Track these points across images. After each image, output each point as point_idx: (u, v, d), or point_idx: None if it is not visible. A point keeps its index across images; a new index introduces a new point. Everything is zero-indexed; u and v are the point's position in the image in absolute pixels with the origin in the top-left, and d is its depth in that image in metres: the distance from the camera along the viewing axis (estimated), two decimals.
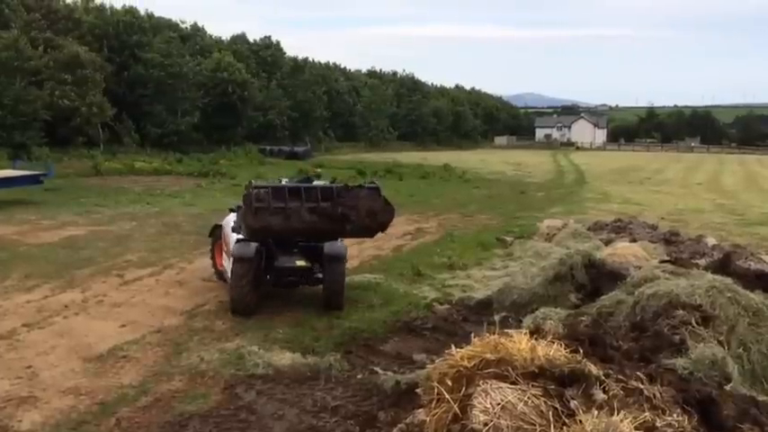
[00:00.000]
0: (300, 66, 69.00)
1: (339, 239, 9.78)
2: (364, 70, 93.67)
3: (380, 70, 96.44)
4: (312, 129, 64.73)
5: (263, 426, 6.14)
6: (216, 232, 11.40)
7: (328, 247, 9.49)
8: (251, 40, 69.05)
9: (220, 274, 10.90)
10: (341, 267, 9.50)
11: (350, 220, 8.96)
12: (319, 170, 11.80)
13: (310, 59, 74.96)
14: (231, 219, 10.40)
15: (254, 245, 9.13)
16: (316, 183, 10.08)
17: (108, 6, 52.16)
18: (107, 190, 25.60)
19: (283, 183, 10.06)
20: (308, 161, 45.67)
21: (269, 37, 69.97)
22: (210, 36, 64.93)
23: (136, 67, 46.80)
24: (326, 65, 79.59)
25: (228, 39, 67.26)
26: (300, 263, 9.49)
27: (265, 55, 66.47)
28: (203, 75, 51.40)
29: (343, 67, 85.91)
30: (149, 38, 48.66)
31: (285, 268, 9.47)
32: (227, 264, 10.10)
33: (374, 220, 9.24)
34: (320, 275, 9.55)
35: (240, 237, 9.35)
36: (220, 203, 22.75)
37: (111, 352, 7.90)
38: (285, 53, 70.56)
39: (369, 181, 10.13)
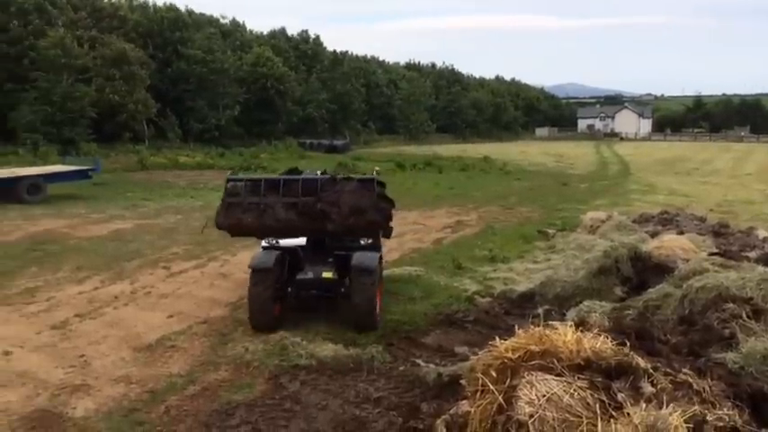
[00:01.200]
0: (339, 59, 69.27)
1: (374, 247, 8.95)
2: (403, 63, 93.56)
3: (419, 62, 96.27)
4: (351, 122, 64.94)
5: (307, 415, 6.22)
6: None
7: (356, 257, 8.27)
8: (290, 34, 69.63)
9: None
10: (371, 281, 8.12)
11: (330, 219, 7.85)
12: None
13: (349, 53, 75.24)
14: None
15: (275, 253, 8.30)
16: (307, 174, 8.94)
17: (151, 4, 53.24)
18: (152, 184, 26.18)
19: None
20: (347, 154, 45.85)
21: (307, 31, 70.49)
22: (250, 31, 65.81)
23: (178, 63, 47.68)
24: (365, 58, 79.77)
25: (268, 33, 67.91)
26: (327, 274, 8.48)
27: (305, 49, 66.97)
28: (243, 70, 52.02)
29: (381, 59, 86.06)
30: (191, 34, 49.46)
31: (307, 281, 8.48)
32: None
33: (360, 219, 7.93)
34: (343, 290, 8.55)
35: (265, 244, 8.73)
36: None
37: (159, 342, 8.11)
38: (324, 47, 70.96)
39: (376, 171, 8.76)
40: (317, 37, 70.76)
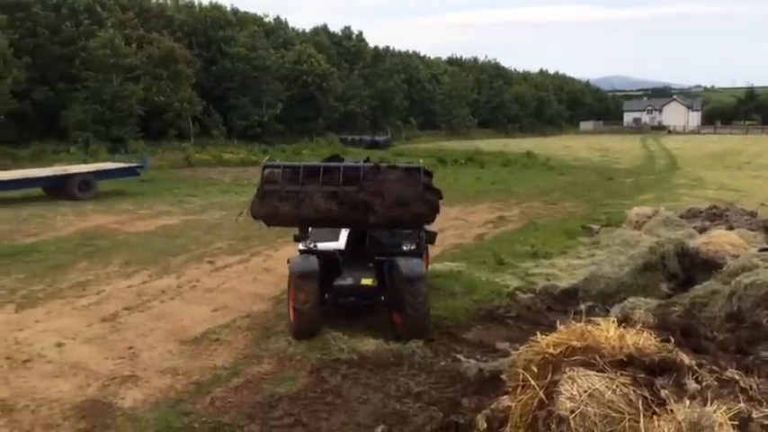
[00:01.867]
0: (381, 55, 69.41)
1: (418, 255, 8.50)
2: (445, 57, 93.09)
3: (461, 57, 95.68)
4: (392, 117, 64.97)
5: (348, 409, 6.28)
6: None
7: (405, 265, 7.82)
8: (332, 31, 69.99)
9: None
10: (423, 289, 7.79)
11: (373, 210, 7.33)
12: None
13: (391, 48, 75.28)
14: None
15: (313, 257, 7.91)
16: (347, 162, 8.30)
17: (196, 3, 54.18)
18: (198, 181, 26.70)
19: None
20: (389, 150, 45.91)
21: (350, 27, 70.72)
22: (293, 29, 66.33)
23: (223, 62, 48.43)
24: (407, 53, 79.65)
25: (310, 31, 68.42)
26: (366, 281, 8.04)
27: (347, 45, 67.22)
28: (286, 67, 52.53)
29: (423, 55, 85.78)
30: (234, 32, 50.17)
31: (346, 287, 8.02)
32: None
33: (406, 211, 7.42)
34: (383, 297, 8.16)
35: (302, 247, 8.33)
36: None
37: (204, 335, 8.29)
38: (366, 43, 71.11)
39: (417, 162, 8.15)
40: (360, 33, 71.01)
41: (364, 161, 7.93)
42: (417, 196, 7.45)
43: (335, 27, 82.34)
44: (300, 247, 8.37)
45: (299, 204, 7.41)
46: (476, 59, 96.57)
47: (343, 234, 8.53)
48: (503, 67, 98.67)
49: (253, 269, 11.77)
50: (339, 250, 8.36)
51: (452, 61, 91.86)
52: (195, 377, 6.99)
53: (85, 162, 27.57)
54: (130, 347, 7.81)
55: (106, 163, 26.21)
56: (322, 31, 69.05)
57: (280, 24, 64.10)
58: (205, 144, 41.65)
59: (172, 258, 12.52)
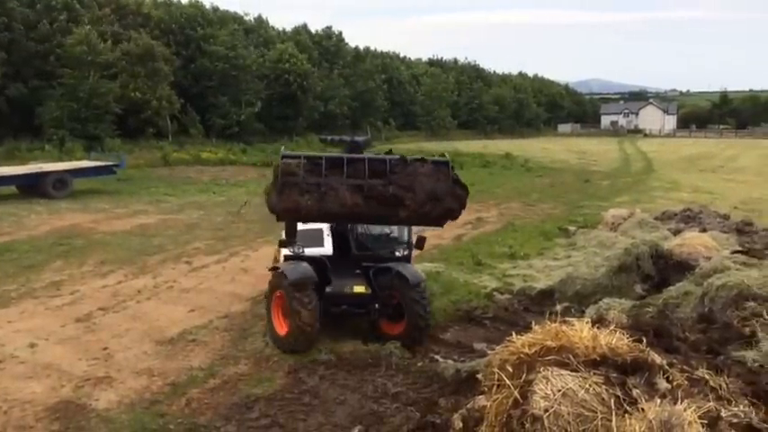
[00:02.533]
0: (362, 55, 69.30)
1: (408, 260, 8.28)
2: (425, 59, 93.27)
3: (441, 58, 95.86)
4: (372, 118, 64.95)
5: (325, 410, 6.29)
6: None
7: (408, 271, 7.75)
8: (313, 30, 69.77)
9: None
10: (425, 294, 7.77)
11: (404, 205, 6.91)
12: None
13: (372, 49, 75.26)
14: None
15: (306, 264, 7.56)
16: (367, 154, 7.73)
17: (174, 0, 53.61)
18: (175, 180, 26.48)
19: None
20: (369, 150, 45.86)
21: (331, 27, 70.55)
22: (273, 27, 65.95)
23: (201, 60, 47.98)
24: (387, 54, 79.65)
25: (291, 30, 68.13)
26: (359, 288, 7.74)
27: (328, 45, 67.04)
28: (266, 66, 52.26)
29: (403, 56, 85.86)
30: (214, 31, 49.76)
31: (337, 295, 7.68)
32: None
33: (437, 206, 7.04)
34: (377, 306, 7.86)
35: (289, 253, 7.82)
36: None
37: (180, 335, 8.24)
38: (347, 43, 71.03)
39: (439, 154, 7.69)
40: (340, 33, 70.88)
41: (386, 153, 7.44)
42: (448, 191, 7.05)
43: (316, 26, 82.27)
44: (286, 252, 7.85)
45: (322, 198, 6.77)
46: (456, 61, 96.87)
47: (328, 238, 8.16)
48: (482, 69, 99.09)
49: (231, 269, 11.71)
50: (327, 256, 7.94)
51: (433, 62, 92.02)
52: (171, 378, 6.95)
53: (61, 160, 27.21)
54: (105, 348, 7.74)
55: (82, 161, 25.87)
56: (303, 30, 68.79)
57: (260, 23, 63.73)
58: (183, 143, 41.24)
59: (148, 258, 12.40)
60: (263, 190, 7.23)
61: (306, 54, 56.87)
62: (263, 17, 64.63)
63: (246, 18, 61.51)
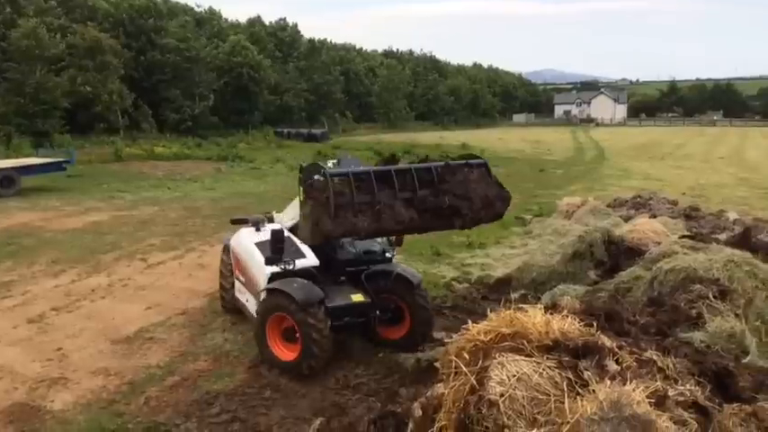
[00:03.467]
0: (317, 47, 68.89)
1: (389, 258, 7.92)
2: (380, 50, 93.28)
3: (397, 50, 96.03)
4: (329, 110, 64.71)
5: (287, 403, 6.30)
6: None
7: (407, 272, 7.61)
8: (267, 22, 69.06)
9: (230, 303, 8.65)
10: (425, 293, 7.63)
11: (460, 215, 6.60)
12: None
13: (327, 41, 74.87)
14: (246, 238, 8.12)
15: (305, 281, 6.95)
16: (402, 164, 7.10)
17: None
18: (128, 176, 25.95)
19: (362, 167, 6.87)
20: (326, 143, 45.73)
21: (285, 19, 69.95)
22: (226, 19, 65.04)
23: (153, 53, 47.01)
24: (343, 46, 79.40)
25: (244, 22, 67.29)
26: (357, 297, 7.25)
27: (282, 37, 66.46)
28: (219, 59, 51.52)
29: (359, 47, 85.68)
30: (165, 23, 48.79)
31: (338, 308, 7.07)
32: (243, 296, 8.06)
33: (489, 212, 6.82)
34: (378, 312, 7.42)
35: (276, 270, 7.13)
36: (240, 187, 23.03)
37: (137, 334, 8.12)
38: (302, 35, 70.52)
39: (466, 155, 7.33)
40: (295, 25, 70.32)
41: (422, 160, 7.00)
42: (497, 195, 6.87)
43: (271, 18, 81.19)
44: (273, 269, 7.14)
45: (377, 217, 6.25)
46: (411, 52, 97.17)
47: (305, 248, 7.48)
48: (438, 61, 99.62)
49: (187, 265, 11.57)
50: (315, 267, 7.38)
51: (388, 54, 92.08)
52: (128, 377, 6.86)
53: (8, 157, 26.33)
54: (59, 349, 7.58)
55: (30, 158, 25.10)
56: (257, 22, 67.99)
57: (213, 14, 62.75)
58: (136, 138, 40.37)
59: (102, 256, 12.16)
60: (301, 213, 6.43)
61: (260, 46, 56.29)
62: (216, 9, 63.66)
63: (198, 9, 60.54)
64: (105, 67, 39.83)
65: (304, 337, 6.68)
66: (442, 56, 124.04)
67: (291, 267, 7.11)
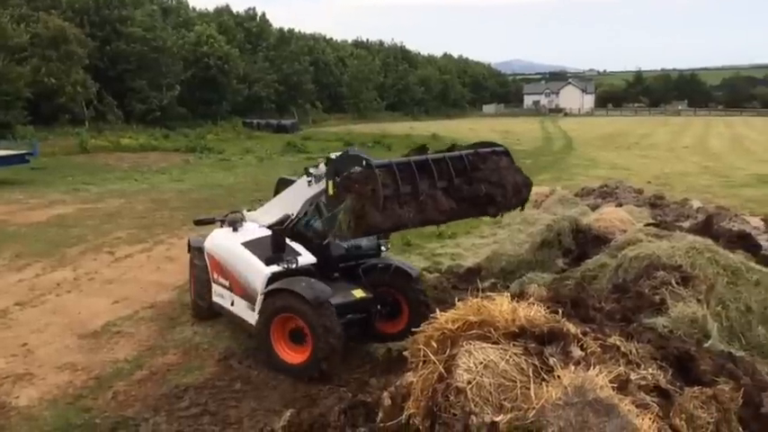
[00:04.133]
0: (287, 37, 68.31)
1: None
2: (350, 40, 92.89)
3: (367, 40, 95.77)
4: (299, 101, 64.31)
5: (257, 395, 6.29)
6: (191, 251, 8.54)
7: (405, 265, 7.55)
8: (235, 11, 68.23)
9: (204, 310, 8.16)
10: (422, 286, 7.59)
11: (495, 202, 6.55)
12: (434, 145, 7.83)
13: (296, 30, 74.29)
14: (227, 239, 7.77)
15: (313, 280, 6.72)
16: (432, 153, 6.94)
17: None
18: (94, 167, 25.50)
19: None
20: (296, 134, 45.49)
21: (254, 8, 69.19)
22: (193, 8, 64.11)
23: (118, 42, 46.10)
24: (313, 36, 78.84)
25: (212, 11, 66.39)
26: (359, 293, 7.11)
27: (250, 26, 65.74)
28: (186, 49, 50.78)
29: (329, 37, 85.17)
30: (130, 12, 47.85)
31: (342, 306, 6.84)
32: (225, 300, 7.66)
33: (519, 199, 6.84)
34: (378, 306, 7.32)
35: (277, 269, 6.89)
36: (209, 179, 22.79)
37: (104, 328, 8.01)
38: (271, 24, 69.85)
39: (486, 142, 7.29)
40: (264, 14, 69.59)
41: (449, 149, 6.87)
42: (522, 181, 6.85)
43: (239, 7, 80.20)
44: (274, 269, 6.91)
45: (422, 208, 6.11)
46: (381, 42, 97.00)
47: (299, 245, 7.26)
48: (408, 51, 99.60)
49: (156, 258, 11.43)
50: (312, 264, 7.18)
51: (358, 44, 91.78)
52: (96, 372, 6.77)
53: None
54: (24, 344, 7.44)
55: None
56: (224, 11, 67.13)
57: (179, 4, 61.76)
58: (101, 129, 39.62)
59: (67, 249, 11.94)
60: (343, 207, 6.01)
61: (228, 36, 55.62)
62: None
63: None
64: (69, 56, 38.99)
65: (316, 338, 6.43)
66: (411, 46, 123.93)
67: (294, 266, 6.89)
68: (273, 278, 6.82)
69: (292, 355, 6.73)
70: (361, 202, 5.76)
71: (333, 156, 6.44)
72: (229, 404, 6.10)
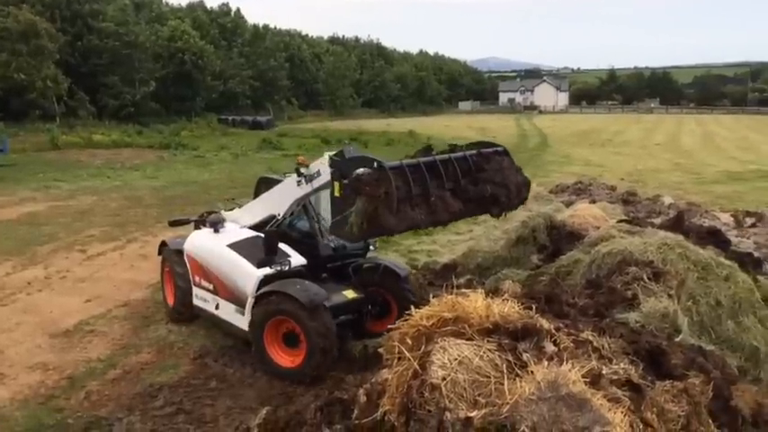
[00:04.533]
0: (262, 33, 67.84)
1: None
2: (326, 37, 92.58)
3: (343, 36, 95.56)
4: (274, 97, 63.94)
5: (233, 393, 6.26)
6: (165, 253, 8.35)
7: (393, 265, 7.49)
8: (209, 7, 67.61)
9: (182, 312, 7.97)
10: (411, 286, 7.46)
11: (499, 202, 6.60)
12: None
13: (272, 26, 73.83)
14: (210, 240, 7.61)
15: (308, 283, 6.65)
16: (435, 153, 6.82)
17: None
18: (66, 164, 25.09)
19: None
20: (272, 131, 45.22)
21: (228, 3, 68.63)
22: (167, 3, 63.37)
23: (89, 37, 45.39)
24: (288, 32, 78.40)
25: (186, 6, 65.71)
26: (351, 294, 7.15)
27: (224, 22, 65.17)
28: (159, 44, 50.17)
29: (304, 33, 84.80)
30: (102, 6, 47.12)
31: (335, 307, 6.83)
32: (209, 303, 7.49)
33: (520, 198, 6.93)
34: (370, 306, 7.31)
35: (269, 272, 6.81)
36: (184, 176, 22.55)
37: (77, 327, 7.91)
38: (245, 20, 69.34)
39: (484, 142, 7.27)
40: (238, 9, 69.04)
41: (450, 149, 6.81)
42: (523, 181, 6.93)
43: (213, 2, 79.32)
44: (266, 271, 6.82)
45: (433, 210, 6.07)
46: (357, 39, 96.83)
47: (287, 247, 7.18)
48: (384, 47, 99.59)
49: (129, 256, 11.30)
50: (303, 266, 7.11)
51: (334, 40, 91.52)
52: (68, 371, 6.68)
53: None
54: None
55: None
56: (198, 6, 66.47)
57: None
58: (73, 125, 38.98)
59: (38, 248, 11.75)
60: (354, 209, 5.80)
61: (202, 31, 55.08)
62: None
63: None
64: (40, 51, 38.28)
65: (311, 342, 6.35)
66: (387, 43, 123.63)
67: (287, 268, 6.84)
68: (265, 281, 6.74)
69: (286, 359, 6.65)
70: (373, 204, 5.63)
71: (334, 156, 6.31)
72: (205, 403, 6.07)
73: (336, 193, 6.07)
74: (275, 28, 75.22)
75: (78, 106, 42.57)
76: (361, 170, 5.77)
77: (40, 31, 38.39)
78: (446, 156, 6.54)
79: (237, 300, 7.00)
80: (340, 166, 6.09)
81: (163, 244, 8.47)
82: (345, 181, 5.88)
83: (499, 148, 7.00)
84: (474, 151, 6.69)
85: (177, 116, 48.62)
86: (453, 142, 7.44)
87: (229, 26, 65.39)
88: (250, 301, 6.78)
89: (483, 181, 6.45)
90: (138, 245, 12.12)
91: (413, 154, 6.73)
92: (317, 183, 6.81)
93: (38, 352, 7.18)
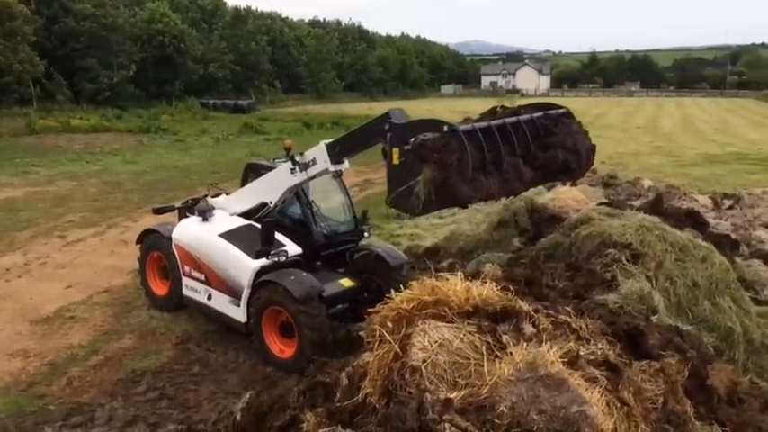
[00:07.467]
0: (243, 16, 66.99)
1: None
2: (307, 20, 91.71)
3: (324, 19, 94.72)
4: (257, 81, 63.34)
5: (216, 378, 6.28)
6: (150, 241, 8.08)
7: (386, 253, 7.15)
8: None
9: (166, 301, 7.92)
10: (405, 273, 7.09)
11: (570, 170, 6.23)
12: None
13: (252, 9, 72.93)
14: (201, 229, 7.46)
15: (304, 274, 6.45)
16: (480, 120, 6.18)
17: None
18: (43, 149, 24.75)
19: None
20: (253, 114, 44.88)
21: None
22: None
23: (66, 20, 44.54)
24: (270, 15, 77.50)
25: None
26: (347, 283, 6.92)
27: (204, 4, 64.29)
28: (138, 27, 49.39)
29: (285, 16, 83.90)
30: None
31: (333, 297, 6.66)
32: (200, 294, 7.33)
33: (588, 164, 6.54)
34: (365, 294, 7.07)
35: (265, 263, 6.63)
36: (165, 160, 22.34)
37: (57, 313, 7.87)
38: (225, 2, 68.45)
39: (541, 104, 6.68)
40: None
41: (514, 112, 6.22)
42: (592, 147, 6.48)
43: None
44: (262, 262, 6.64)
45: (506, 179, 5.58)
46: (339, 22, 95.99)
47: (282, 236, 7.02)
48: (366, 31, 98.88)
49: (109, 242, 11.23)
50: (299, 254, 6.96)
51: (315, 23, 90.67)
52: (49, 358, 6.66)
53: None
54: None
55: None
56: None
57: None
58: (50, 110, 38.37)
59: (17, 234, 11.63)
60: (422, 179, 5.34)
61: (182, 14, 54.28)
62: None
63: None
64: (14, 34, 37.53)
65: (302, 334, 6.24)
66: (369, 26, 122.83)
67: (284, 259, 6.70)
68: (262, 271, 6.63)
69: (282, 349, 6.57)
70: (444, 173, 5.14)
71: (394, 119, 5.78)
72: (188, 388, 6.08)
73: (395, 161, 5.66)
74: (256, 10, 74.36)
75: (55, 90, 41.84)
76: (425, 135, 5.32)
77: (15, 13, 37.61)
78: (514, 119, 6.06)
79: (232, 291, 6.89)
80: (398, 131, 5.62)
81: (144, 233, 8.26)
82: (407, 147, 5.39)
83: (564, 110, 6.55)
84: (540, 114, 6.20)
85: (157, 100, 48.03)
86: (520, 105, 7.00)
87: (209, 8, 64.50)
88: (246, 293, 6.68)
89: (553, 146, 6.03)
90: (118, 230, 12.03)
91: (479, 116, 6.27)
92: (312, 171, 6.68)
93: (18, 339, 7.13)
